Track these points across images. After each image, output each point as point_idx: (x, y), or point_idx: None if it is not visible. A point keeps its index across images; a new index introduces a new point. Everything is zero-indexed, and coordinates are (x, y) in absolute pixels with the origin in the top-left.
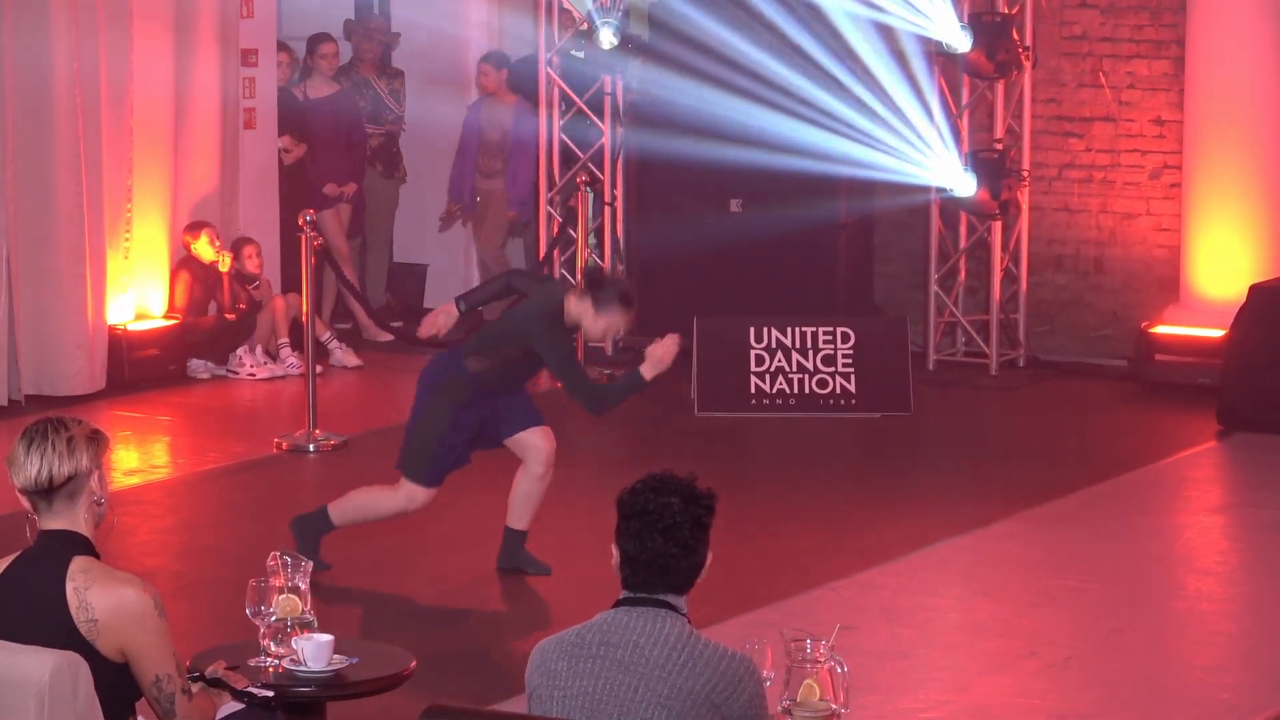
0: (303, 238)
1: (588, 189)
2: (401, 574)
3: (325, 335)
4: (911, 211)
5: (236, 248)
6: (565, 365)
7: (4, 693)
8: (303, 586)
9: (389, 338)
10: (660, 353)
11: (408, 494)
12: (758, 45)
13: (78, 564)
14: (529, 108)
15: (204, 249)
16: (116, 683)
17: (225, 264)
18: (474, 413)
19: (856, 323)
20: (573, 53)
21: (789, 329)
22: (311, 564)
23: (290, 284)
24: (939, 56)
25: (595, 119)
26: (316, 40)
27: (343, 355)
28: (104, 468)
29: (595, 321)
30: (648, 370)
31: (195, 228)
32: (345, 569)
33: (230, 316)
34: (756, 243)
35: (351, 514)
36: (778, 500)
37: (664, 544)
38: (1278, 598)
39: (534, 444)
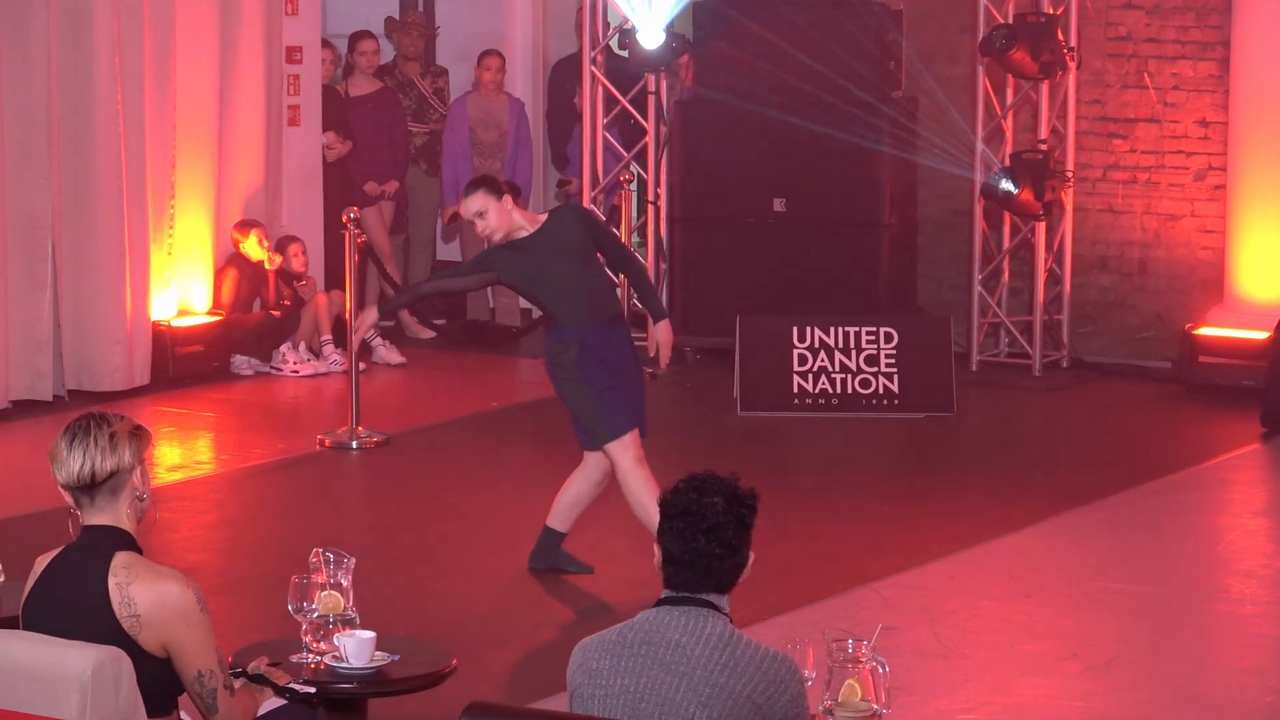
0: (346, 235)
1: (631, 188)
2: (444, 571)
3: (369, 332)
4: (955, 212)
5: (282, 246)
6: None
7: (47, 688)
8: (345, 583)
9: (431, 335)
10: (666, 347)
11: (617, 454)
12: (801, 46)
13: (120, 559)
14: (521, 105)
15: (252, 248)
16: (159, 678)
17: (272, 263)
18: (593, 360)
19: (900, 323)
20: (616, 50)
21: (832, 329)
22: (354, 560)
23: (333, 281)
24: (984, 57)
25: (639, 117)
26: (357, 38)
27: (386, 352)
28: (147, 463)
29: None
30: (664, 331)
31: (245, 226)
32: (388, 566)
33: (275, 313)
34: (800, 242)
35: (567, 511)
36: (820, 500)
37: (707, 544)
38: None
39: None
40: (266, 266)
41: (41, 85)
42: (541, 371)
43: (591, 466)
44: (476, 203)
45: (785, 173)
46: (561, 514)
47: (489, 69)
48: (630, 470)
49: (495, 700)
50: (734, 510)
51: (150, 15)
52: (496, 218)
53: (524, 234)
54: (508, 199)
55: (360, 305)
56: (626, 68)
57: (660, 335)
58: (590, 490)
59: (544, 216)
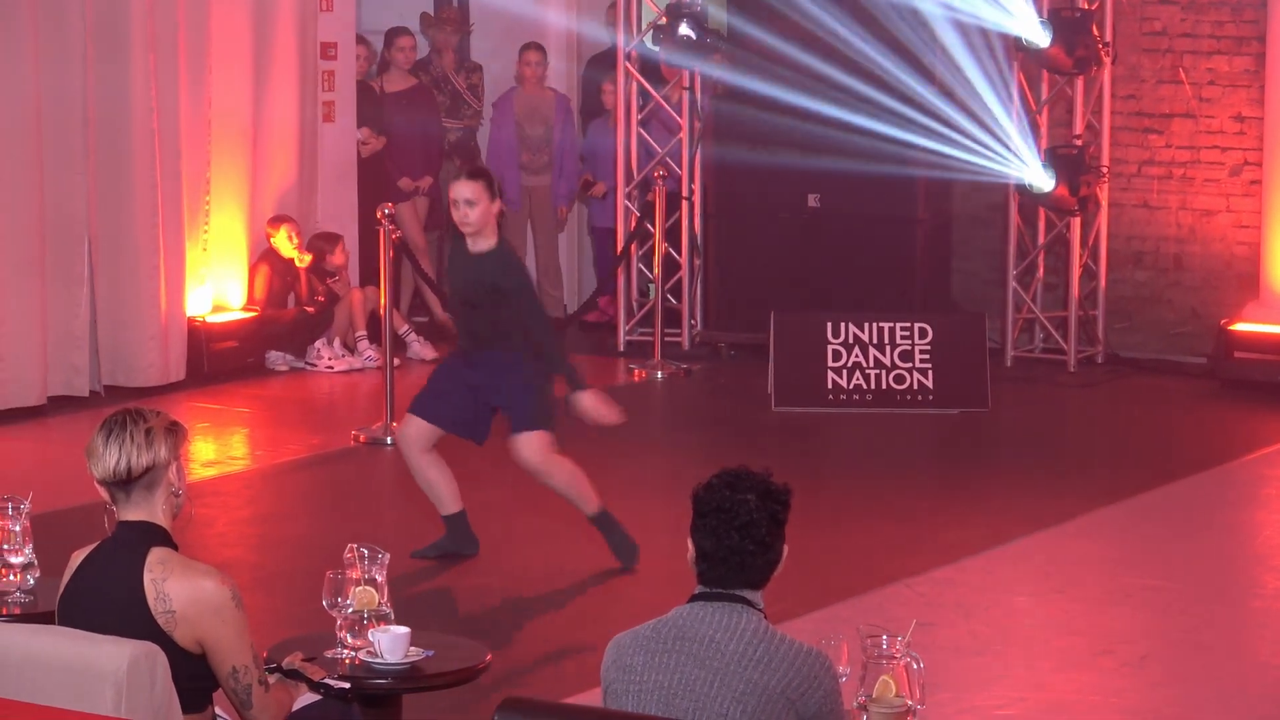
0: (381, 231)
1: (665, 184)
2: (478, 567)
3: (403, 328)
4: (990, 208)
5: (328, 243)
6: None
7: (82, 683)
8: (379, 579)
9: None
10: (595, 411)
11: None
12: (836, 40)
13: (155, 555)
14: (567, 101)
15: (282, 243)
16: (193, 674)
17: (303, 260)
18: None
19: (934, 319)
20: (651, 47)
21: (866, 324)
22: (388, 556)
23: (368, 277)
24: (1019, 52)
25: (673, 114)
26: (393, 34)
27: (420, 348)
28: (182, 459)
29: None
30: (586, 398)
31: (277, 221)
32: (422, 561)
33: (309, 310)
34: (834, 238)
35: (576, 495)
36: (854, 496)
37: (740, 541)
38: None
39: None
40: (297, 264)
41: (77, 83)
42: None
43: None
44: (472, 191)
45: (820, 168)
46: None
47: (529, 63)
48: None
49: (529, 696)
50: (767, 506)
51: (185, 12)
52: (482, 216)
53: (483, 246)
54: (498, 204)
55: (395, 300)
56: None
57: (585, 403)
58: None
59: (489, 246)
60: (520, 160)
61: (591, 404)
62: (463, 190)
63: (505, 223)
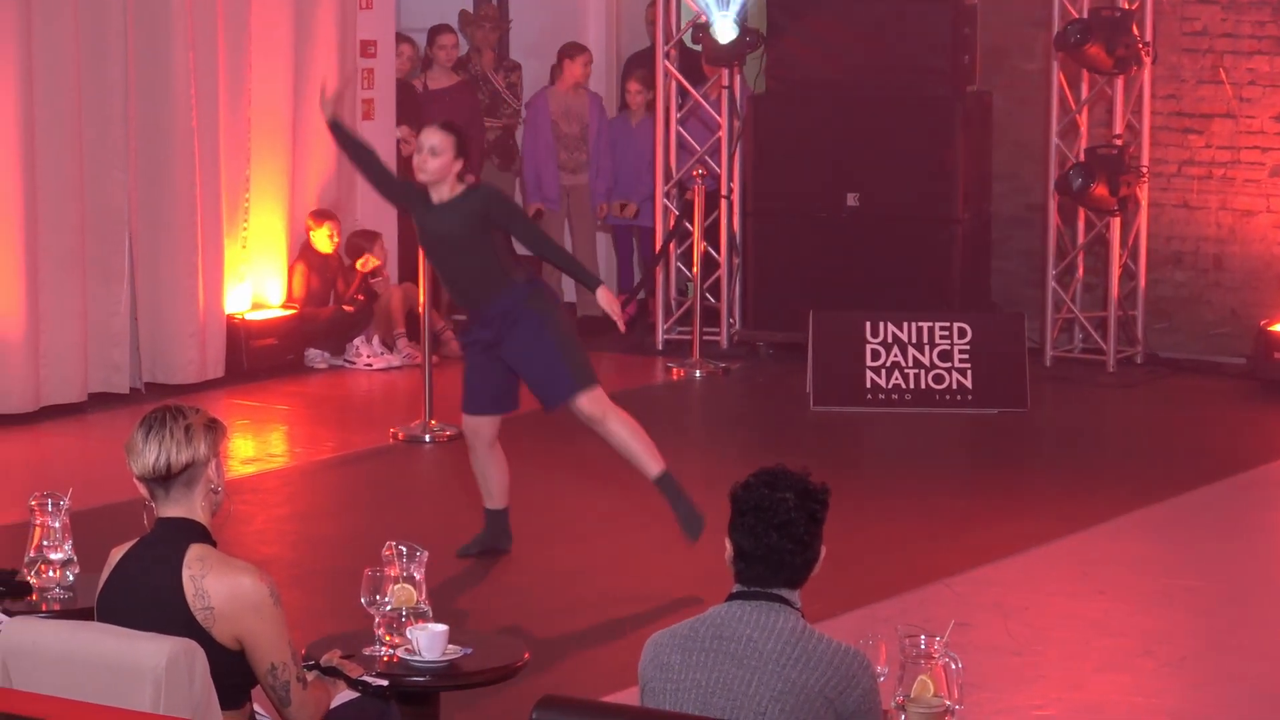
0: None
1: (704, 183)
2: (516, 565)
3: (440, 325)
4: (1029, 207)
5: (367, 241)
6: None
7: (121, 680)
8: (418, 576)
9: None
10: (610, 307)
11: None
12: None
13: (194, 552)
14: (600, 100)
15: (322, 240)
16: (232, 670)
17: (365, 265)
18: (469, 342)
19: (973, 318)
20: (690, 45)
21: (905, 324)
22: (427, 553)
23: (406, 275)
24: (1058, 51)
25: (712, 112)
26: (436, 32)
27: (457, 345)
28: (221, 456)
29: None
30: (603, 294)
31: (321, 217)
32: (460, 559)
33: (348, 308)
34: (873, 237)
35: (637, 453)
36: (892, 495)
37: (779, 540)
38: None
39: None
40: (358, 267)
41: (118, 81)
42: (615, 366)
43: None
44: (440, 140)
45: (858, 167)
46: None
47: (581, 63)
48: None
49: (567, 694)
50: (805, 506)
51: (224, 10)
52: (442, 168)
53: (446, 194)
54: (460, 163)
55: (434, 300)
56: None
57: (601, 300)
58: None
59: (461, 189)
60: (558, 159)
61: (607, 300)
62: (431, 137)
63: (543, 222)
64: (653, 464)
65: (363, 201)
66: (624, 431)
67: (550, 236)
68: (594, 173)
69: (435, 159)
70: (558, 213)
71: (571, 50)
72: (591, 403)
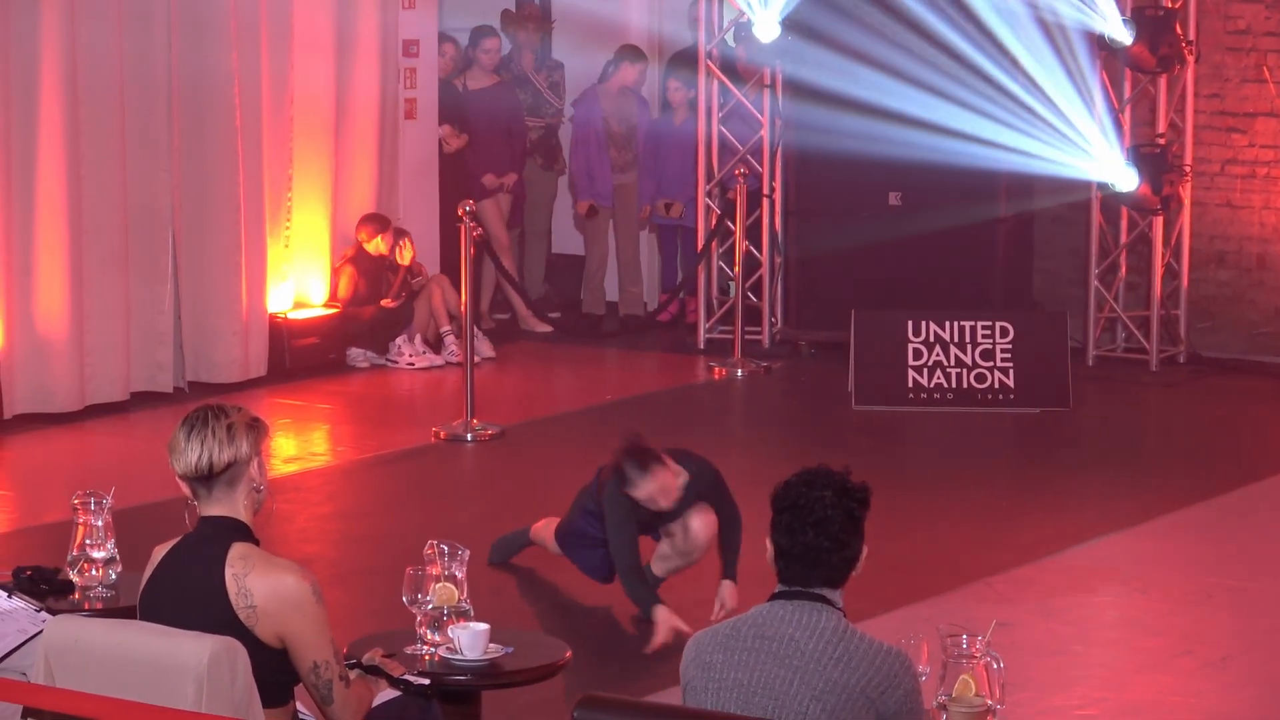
0: (462, 228)
1: (746, 180)
2: (558, 564)
3: (445, 328)
4: (1072, 206)
5: (399, 237)
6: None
7: (163, 677)
8: (459, 575)
9: (547, 329)
10: (671, 625)
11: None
12: (919, 37)
13: (237, 550)
14: (646, 103)
15: (375, 246)
16: (275, 669)
17: (403, 256)
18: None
19: (1015, 317)
20: (731, 44)
21: (947, 323)
22: (468, 552)
23: (449, 274)
24: (1102, 51)
25: (754, 111)
26: (479, 34)
27: (457, 350)
28: (263, 455)
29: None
30: (660, 616)
31: (377, 226)
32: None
33: (388, 303)
34: (915, 236)
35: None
36: (934, 494)
37: (815, 538)
38: None
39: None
40: (397, 259)
41: (162, 80)
42: (656, 365)
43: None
44: (666, 479)
45: (901, 166)
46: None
47: (639, 69)
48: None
49: (608, 694)
50: (843, 504)
51: (268, 10)
52: (677, 488)
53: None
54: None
55: (475, 297)
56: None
57: (724, 594)
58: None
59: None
60: (609, 155)
61: (728, 595)
62: (658, 481)
63: (597, 219)
64: None
65: (404, 201)
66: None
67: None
68: (642, 172)
69: (672, 493)
70: (610, 209)
71: (633, 55)
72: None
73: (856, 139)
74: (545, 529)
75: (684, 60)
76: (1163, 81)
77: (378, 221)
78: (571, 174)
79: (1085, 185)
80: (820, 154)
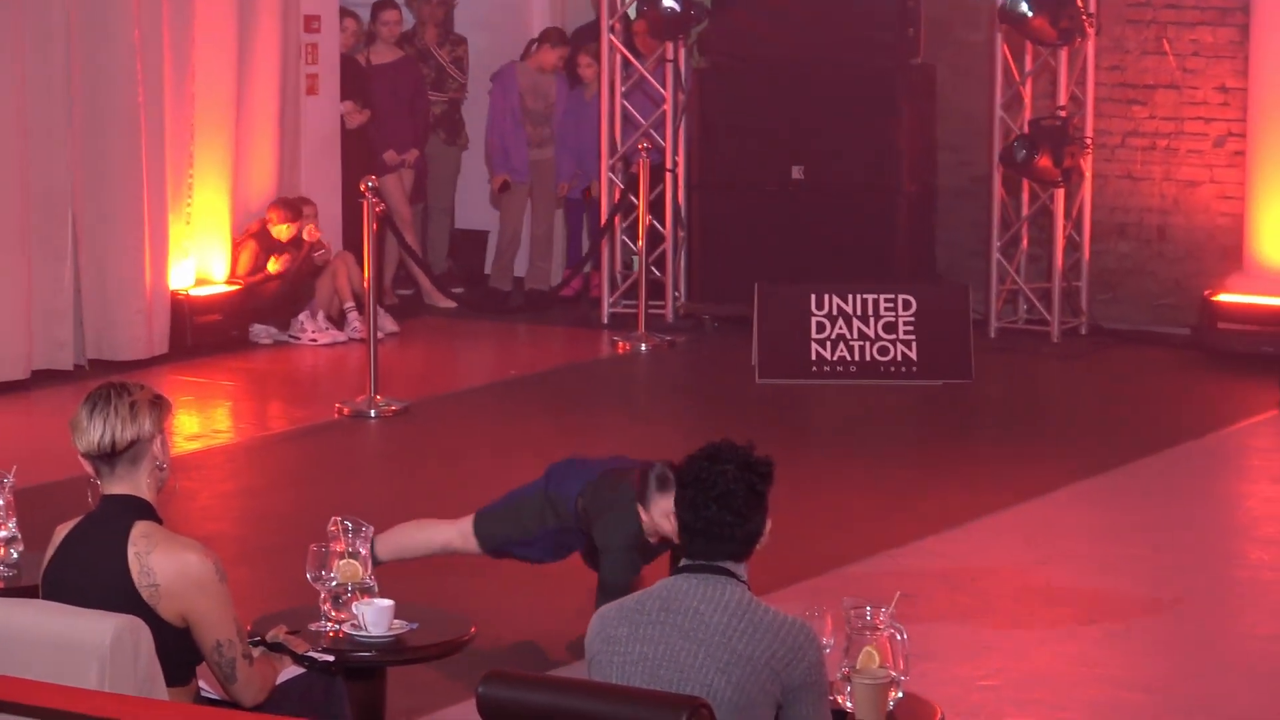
0: (365, 204)
1: (648, 155)
2: None
3: (348, 304)
4: (974, 179)
5: (300, 211)
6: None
7: (66, 656)
8: (363, 552)
9: (451, 304)
10: None
11: (463, 535)
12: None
13: (140, 529)
14: (565, 77)
15: (282, 233)
16: (177, 647)
17: (311, 235)
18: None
19: (918, 290)
20: (631, 17)
21: (850, 296)
22: (372, 528)
23: (352, 249)
24: (1003, 23)
25: (657, 85)
26: (379, 7)
27: (360, 326)
28: (166, 433)
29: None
30: None
31: (290, 215)
32: None
33: (276, 268)
34: (818, 210)
35: (395, 549)
36: (837, 467)
37: (718, 512)
38: None
39: None
40: (304, 237)
41: (61, 56)
42: (561, 340)
43: None
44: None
45: (803, 140)
46: None
47: (559, 55)
48: (447, 535)
49: (513, 669)
50: (745, 478)
51: None
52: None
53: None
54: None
55: (378, 273)
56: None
57: None
58: None
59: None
60: (526, 132)
61: None
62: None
63: (511, 194)
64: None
65: (306, 177)
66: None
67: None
68: (559, 149)
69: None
70: (524, 184)
71: (555, 38)
72: None
73: (760, 113)
74: (412, 534)
75: (591, 34)
76: (1064, 54)
77: (291, 209)
78: (487, 149)
79: (987, 158)
80: (723, 128)
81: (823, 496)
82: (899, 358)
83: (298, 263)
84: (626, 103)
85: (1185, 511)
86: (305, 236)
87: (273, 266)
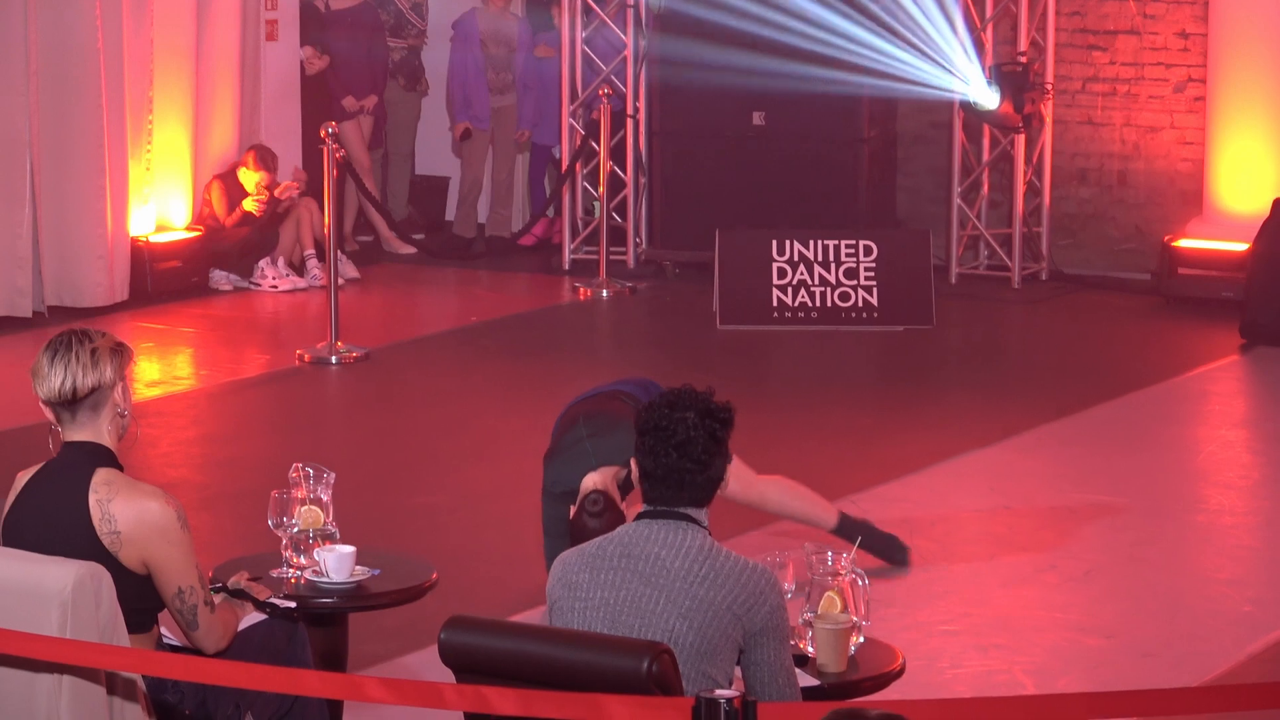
0: (325, 150)
1: (609, 101)
2: (424, 486)
3: (308, 251)
4: (935, 125)
5: (271, 161)
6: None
7: (27, 603)
8: (325, 498)
9: (411, 250)
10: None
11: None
12: None
13: (101, 476)
14: (527, 22)
15: (249, 180)
16: (139, 594)
17: (286, 191)
18: None
19: (879, 235)
20: None
21: (811, 242)
22: (334, 475)
23: (312, 195)
24: None
25: (618, 29)
26: None
27: (320, 273)
28: (127, 379)
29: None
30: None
31: (263, 164)
32: (368, 481)
33: (252, 209)
34: (779, 155)
35: (805, 513)
36: (798, 413)
37: (679, 459)
38: None
39: None
40: (276, 194)
41: (18, 2)
42: (522, 286)
43: None
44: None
45: (764, 86)
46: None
47: None
48: None
49: (475, 614)
50: (705, 424)
51: None
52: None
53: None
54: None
55: (339, 220)
56: None
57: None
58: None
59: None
60: (487, 78)
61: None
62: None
63: (473, 141)
64: (826, 516)
65: (266, 122)
66: (781, 496)
67: None
68: (521, 95)
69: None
70: (486, 131)
71: None
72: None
73: (720, 59)
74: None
75: None
76: (1024, 0)
77: (267, 161)
78: (449, 96)
79: (947, 105)
80: (684, 74)
81: (784, 442)
82: (860, 303)
83: (272, 207)
84: (587, 48)
85: (1145, 457)
86: (278, 194)
87: (250, 205)
